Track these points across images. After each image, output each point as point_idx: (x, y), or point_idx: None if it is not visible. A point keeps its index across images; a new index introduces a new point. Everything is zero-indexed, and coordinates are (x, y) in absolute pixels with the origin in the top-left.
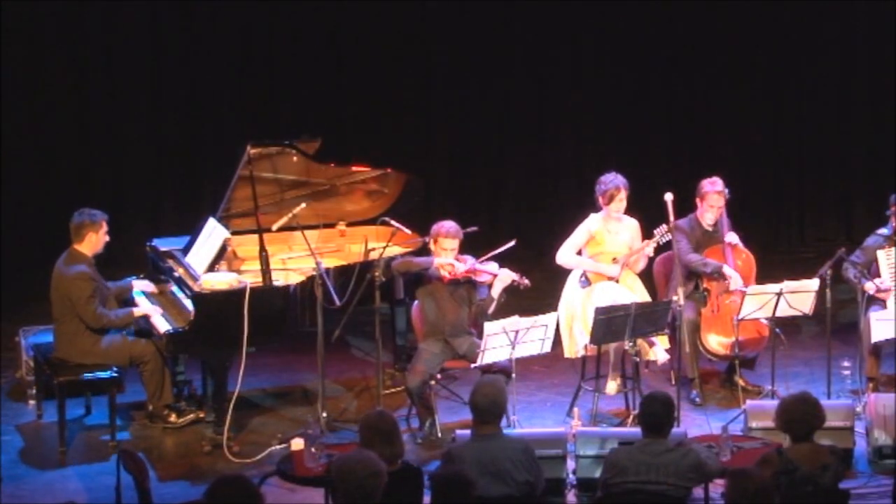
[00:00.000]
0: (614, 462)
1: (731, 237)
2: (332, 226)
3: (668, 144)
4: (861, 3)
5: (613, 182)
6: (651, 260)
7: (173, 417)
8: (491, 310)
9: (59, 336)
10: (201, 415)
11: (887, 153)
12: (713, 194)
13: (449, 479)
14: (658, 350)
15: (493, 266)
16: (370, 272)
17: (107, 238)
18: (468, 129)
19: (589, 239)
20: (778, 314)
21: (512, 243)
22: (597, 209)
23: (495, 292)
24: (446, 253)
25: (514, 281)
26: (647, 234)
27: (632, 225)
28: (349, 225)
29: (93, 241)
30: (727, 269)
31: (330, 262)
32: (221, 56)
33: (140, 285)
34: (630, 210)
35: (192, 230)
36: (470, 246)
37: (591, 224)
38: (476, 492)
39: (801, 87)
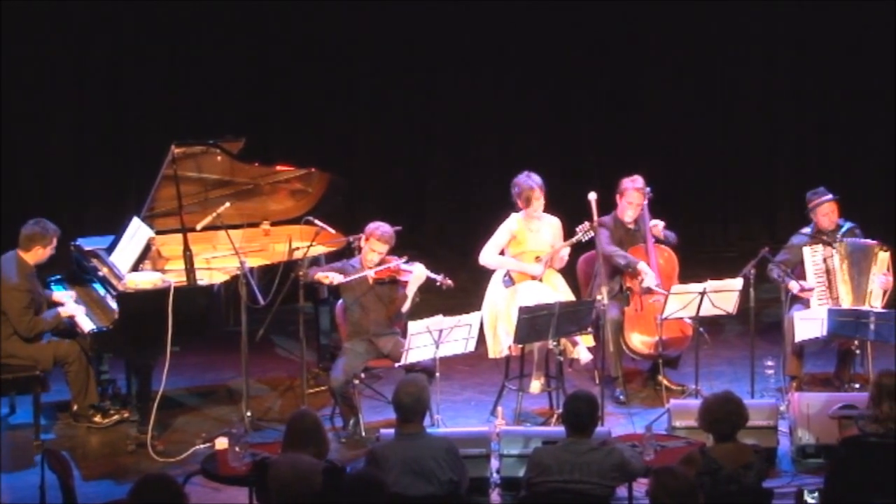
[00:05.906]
0: (538, 461)
1: (655, 224)
2: (256, 225)
3: (591, 143)
4: (785, 3)
5: (527, 183)
6: (574, 258)
7: (98, 418)
8: (405, 308)
9: None
10: (126, 415)
11: (811, 153)
12: (633, 191)
13: (362, 480)
14: (581, 349)
15: (416, 266)
16: (294, 272)
17: (52, 253)
18: (392, 129)
19: (511, 239)
20: (701, 313)
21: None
22: (517, 209)
23: (410, 291)
24: (374, 254)
25: (437, 281)
26: (569, 232)
27: (553, 223)
28: (273, 224)
29: (38, 255)
30: (642, 266)
31: (254, 262)
32: (146, 55)
33: (61, 296)
34: (554, 209)
35: (117, 229)
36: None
37: (512, 224)
38: (390, 491)
39: (726, 86)
